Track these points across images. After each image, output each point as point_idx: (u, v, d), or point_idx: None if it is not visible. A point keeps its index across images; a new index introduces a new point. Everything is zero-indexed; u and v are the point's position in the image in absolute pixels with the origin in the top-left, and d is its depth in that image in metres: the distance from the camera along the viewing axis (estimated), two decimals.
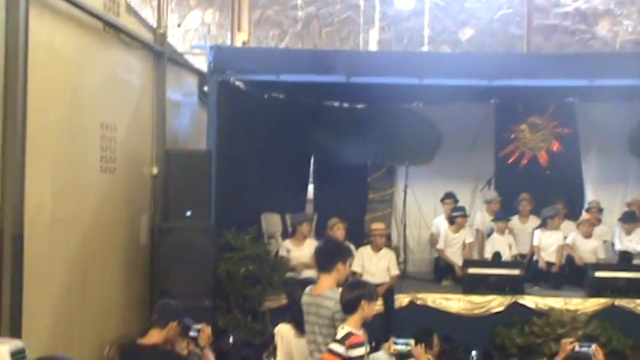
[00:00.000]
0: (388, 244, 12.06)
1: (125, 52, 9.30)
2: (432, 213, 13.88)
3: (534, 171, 13.95)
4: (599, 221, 12.61)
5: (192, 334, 6.45)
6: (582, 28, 18.62)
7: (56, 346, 7.41)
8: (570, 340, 6.81)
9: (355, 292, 5.74)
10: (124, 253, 9.44)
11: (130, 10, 9.32)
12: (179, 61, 11.56)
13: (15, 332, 6.48)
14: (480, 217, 13.14)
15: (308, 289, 6.21)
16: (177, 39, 19.21)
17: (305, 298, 6.17)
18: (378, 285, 10.25)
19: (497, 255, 11.95)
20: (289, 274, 10.76)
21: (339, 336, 5.57)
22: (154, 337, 5.75)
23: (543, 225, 12.09)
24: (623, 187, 13.87)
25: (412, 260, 13.61)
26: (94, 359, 8.46)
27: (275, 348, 7.22)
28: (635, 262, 11.73)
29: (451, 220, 12.43)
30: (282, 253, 11.02)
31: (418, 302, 10.87)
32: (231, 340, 7.83)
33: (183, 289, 9.28)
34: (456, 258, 12.17)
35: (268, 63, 10.83)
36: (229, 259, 10.17)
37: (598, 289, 10.88)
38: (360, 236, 12.18)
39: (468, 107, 13.68)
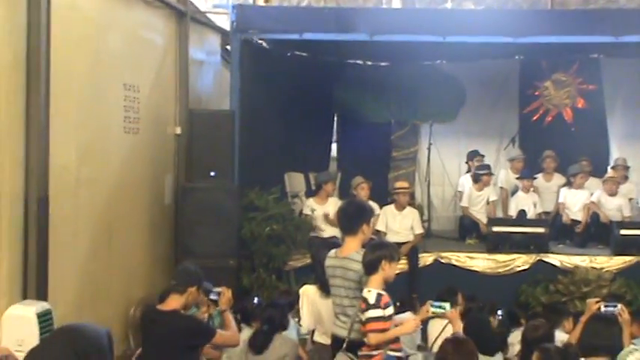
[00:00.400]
0: (412, 202, 12.05)
1: (147, 12, 9.29)
2: (456, 171, 13.85)
3: (559, 128, 13.81)
4: (626, 179, 12.49)
5: (212, 297, 6.47)
6: None
7: (82, 307, 7.50)
8: (596, 299, 6.77)
9: (376, 252, 5.73)
10: (149, 214, 9.50)
11: None
12: (202, 20, 11.51)
13: (41, 294, 6.54)
14: (505, 175, 13.02)
15: (333, 251, 6.19)
16: None
17: (331, 261, 6.15)
18: (401, 244, 10.31)
19: (522, 213, 11.90)
20: (313, 234, 10.76)
21: (372, 300, 5.54)
22: (173, 302, 5.76)
23: (568, 183, 12.02)
24: None
25: (436, 218, 13.60)
26: (120, 319, 8.55)
27: (299, 309, 7.24)
28: None
29: (476, 178, 12.35)
30: (307, 211, 11.00)
31: (443, 261, 10.85)
32: (255, 300, 7.82)
33: (208, 249, 9.36)
34: (480, 216, 12.13)
35: (291, 22, 10.74)
36: (253, 218, 10.19)
37: (623, 247, 10.80)
38: (383, 194, 12.20)
39: (491, 64, 13.49)
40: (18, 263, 6.49)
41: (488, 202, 12.28)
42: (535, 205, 12.06)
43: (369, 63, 14.08)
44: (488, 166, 12.46)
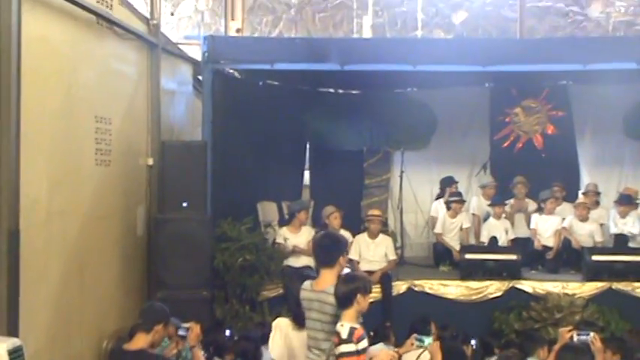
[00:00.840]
0: (385, 229, 12.09)
1: (119, 45, 9.27)
2: (429, 198, 13.96)
3: (530, 154, 13.96)
4: (597, 204, 12.61)
5: (181, 332, 6.44)
6: (575, 10, 18.59)
7: (55, 342, 7.43)
8: (568, 328, 6.83)
9: (350, 286, 5.68)
10: (121, 245, 9.43)
11: (123, 1, 9.27)
12: (173, 51, 11.51)
13: (12, 330, 6.46)
14: (476, 202, 13.12)
15: (308, 283, 6.12)
16: (171, 27, 19.15)
17: (306, 294, 6.07)
18: (373, 272, 10.33)
19: (493, 240, 11.97)
20: (286, 263, 10.74)
21: (344, 335, 5.46)
22: (140, 341, 5.73)
23: (539, 209, 12.12)
24: (619, 169, 13.88)
25: (409, 245, 13.67)
26: (93, 353, 8.46)
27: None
28: (631, 245, 11.72)
29: (448, 206, 12.42)
30: (279, 240, 10.99)
31: (416, 289, 10.84)
32: (227, 333, 7.78)
33: (181, 280, 9.32)
34: (454, 243, 12.19)
35: (262, 52, 10.76)
36: (226, 249, 10.14)
37: (595, 272, 10.87)
38: (356, 222, 12.24)
39: (462, 91, 13.55)
40: None
41: (461, 229, 12.33)
42: (507, 232, 12.12)
43: (341, 91, 14.10)
44: (459, 194, 12.57)
